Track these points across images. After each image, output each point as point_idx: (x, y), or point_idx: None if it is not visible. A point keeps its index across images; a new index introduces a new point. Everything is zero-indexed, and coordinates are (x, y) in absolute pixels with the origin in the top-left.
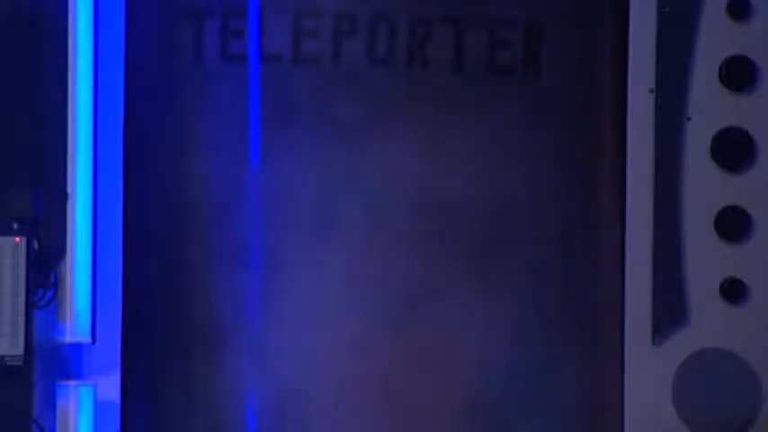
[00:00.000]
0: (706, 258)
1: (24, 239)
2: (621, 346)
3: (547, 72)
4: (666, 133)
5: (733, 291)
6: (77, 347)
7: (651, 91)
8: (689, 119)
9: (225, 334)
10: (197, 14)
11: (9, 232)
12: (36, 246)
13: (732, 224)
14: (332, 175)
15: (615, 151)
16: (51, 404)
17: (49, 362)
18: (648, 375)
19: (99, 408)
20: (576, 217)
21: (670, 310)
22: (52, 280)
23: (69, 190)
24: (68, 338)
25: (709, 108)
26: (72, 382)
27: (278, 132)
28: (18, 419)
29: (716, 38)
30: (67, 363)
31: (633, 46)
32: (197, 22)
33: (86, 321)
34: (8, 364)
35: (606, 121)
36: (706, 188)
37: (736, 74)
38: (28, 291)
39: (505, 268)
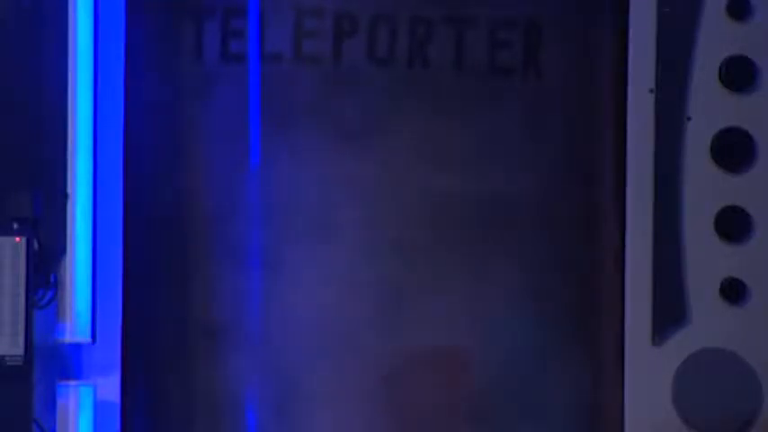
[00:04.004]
0: (706, 258)
1: (24, 239)
2: (621, 346)
3: (547, 72)
4: (666, 133)
5: (733, 291)
6: (77, 347)
7: (651, 91)
8: (689, 119)
9: (225, 334)
10: (197, 14)
11: (9, 232)
12: (36, 246)
13: (732, 224)
14: (332, 175)
15: (615, 151)
16: (51, 404)
17: (49, 362)
18: (648, 375)
19: (99, 408)
20: (577, 217)
21: (670, 310)
22: (52, 280)
23: (69, 190)
24: (68, 338)
25: (709, 108)
26: (72, 382)
27: (278, 132)
28: (18, 419)
29: (716, 38)
30: (67, 363)
31: (633, 46)
32: (197, 21)
33: (86, 321)
34: (8, 364)
35: (606, 121)
36: (706, 188)
37: (736, 74)
38: (28, 291)
39: (505, 268)
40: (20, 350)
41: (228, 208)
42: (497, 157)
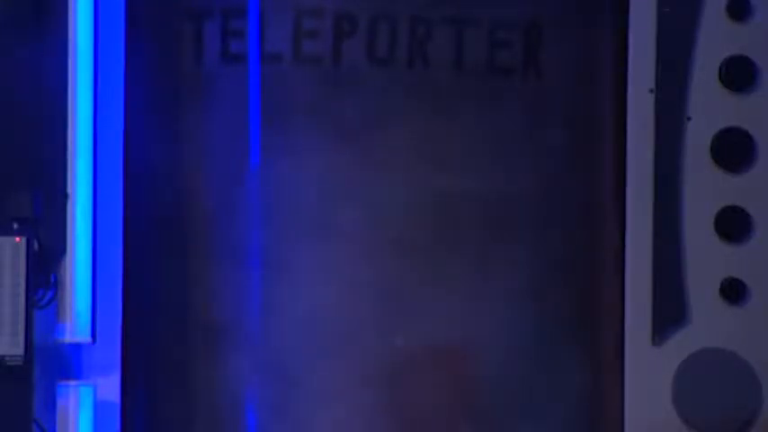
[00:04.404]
0: (706, 258)
1: (24, 239)
2: (621, 346)
3: (547, 72)
4: (666, 133)
5: (733, 291)
6: (77, 347)
7: (651, 91)
8: (689, 119)
9: (225, 334)
10: (197, 14)
11: (9, 232)
12: (36, 246)
13: (732, 224)
14: (332, 175)
15: (615, 151)
16: (51, 404)
17: (49, 362)
18: (648, 375)
19: (99, 408)
20: (576, 217)
21: (670, 310)
22: (52, 280)
23: (69, 190)
24: (68, 338)
25: (709, 108)
26: (72, 382)
27: (278, 132)
28: (18, 419)
29: (716, 38)
30: (67, 363)
31: (633, 46)
32: (197, 22)
33: (86, 321)
34: (8, 364)
35: (606, 121)
36: (706, 188)
37: (736, 74)
38: (28, 291)
39: (505, 268)
40: (20, 350)
41: (228, 208)
42: (497, 156)
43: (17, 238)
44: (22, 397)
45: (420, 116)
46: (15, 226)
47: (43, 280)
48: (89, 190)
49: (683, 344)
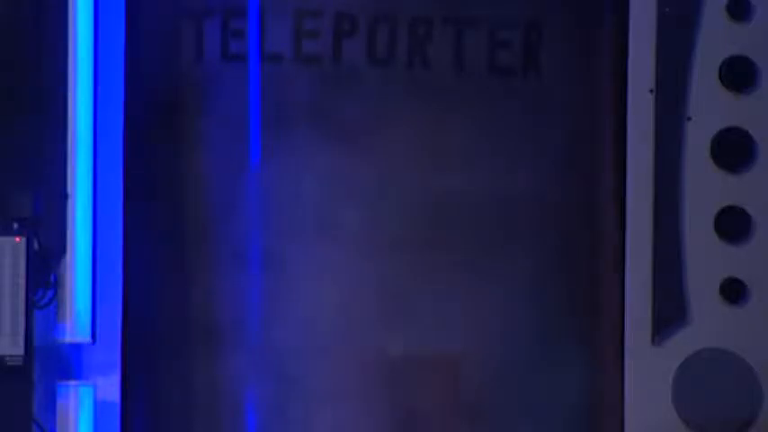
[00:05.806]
0: (706, 258)
1: (24, 239)
2: (621, 346)
3: (547, 72)
4: (666, 133)
5: (733, 291)
6: (77, 347)
7: (651, 91)
8: (689, 119)
9: (225, 334)
10: (197, 14)
11: (9, 232)
12: (36, 246)
13: (732, 224)
14: (332, 175)
15: (615, 151)
16: (51, 404)
17: (49, 362)
18: (648, 375)
19: (99, 408)
20: (577, 217)
21: (670, 310)
22: (52, 280)
23: (69, 190)
24: (68, 338)
25: (709, 108)
26: (72, 382)
27: (278, 132)
28: (18, 419)
29: (716, 38)
30: (67, 363)
31: (633, 46)
32: (197, 22)
33: (86, 321)
34: (8, 364)
35: (606, 121)
36: (706, 188)
37: (737, 74)
38: (28, 291)
39: (505, 268)
40: (20, 350)
41: (228, 208)
42: (497, 156)
43: (17, 238)
44: (22, 397)
45: (420, 116)
46: (15, 226)
47: (43, 280)
48: (89, 190)
49: (683, 344)
